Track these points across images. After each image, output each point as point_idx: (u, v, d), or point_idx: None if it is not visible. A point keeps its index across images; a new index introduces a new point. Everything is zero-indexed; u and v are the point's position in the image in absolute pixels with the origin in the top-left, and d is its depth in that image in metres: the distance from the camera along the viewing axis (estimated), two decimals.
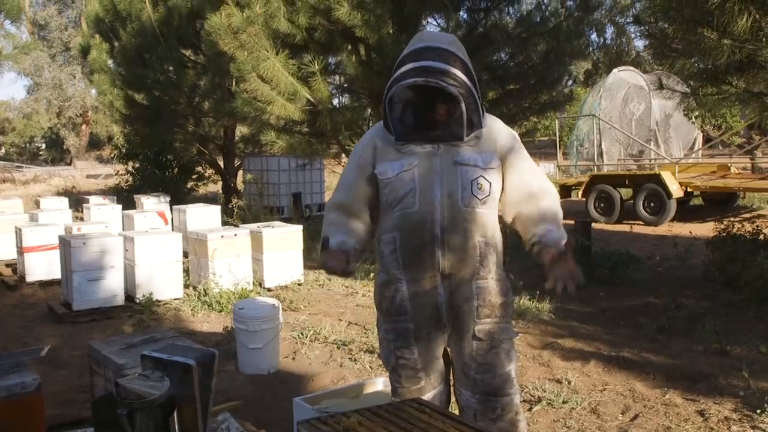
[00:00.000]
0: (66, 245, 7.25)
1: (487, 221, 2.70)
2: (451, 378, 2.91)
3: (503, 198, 2.79)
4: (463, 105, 2.56)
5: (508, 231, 2.91)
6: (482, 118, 2.68)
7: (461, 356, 2.77)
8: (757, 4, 5.04)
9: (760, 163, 17.64)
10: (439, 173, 2.65)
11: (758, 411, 4.25)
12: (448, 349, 2.85)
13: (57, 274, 8.09)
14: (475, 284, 2.70)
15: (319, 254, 2.80)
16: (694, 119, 17.25)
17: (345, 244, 2.74)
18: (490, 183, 2.68)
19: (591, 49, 15.07)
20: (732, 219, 9.37)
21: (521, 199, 2.76)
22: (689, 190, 14.06)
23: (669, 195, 13.38)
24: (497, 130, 2.77)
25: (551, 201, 2.78)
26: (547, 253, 2.66)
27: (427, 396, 2.79)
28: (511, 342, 2.80)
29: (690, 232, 10.76)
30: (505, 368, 2.76)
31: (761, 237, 7.88)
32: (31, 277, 8.67)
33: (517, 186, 2.75)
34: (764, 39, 5.25)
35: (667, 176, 13.54)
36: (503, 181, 2.76)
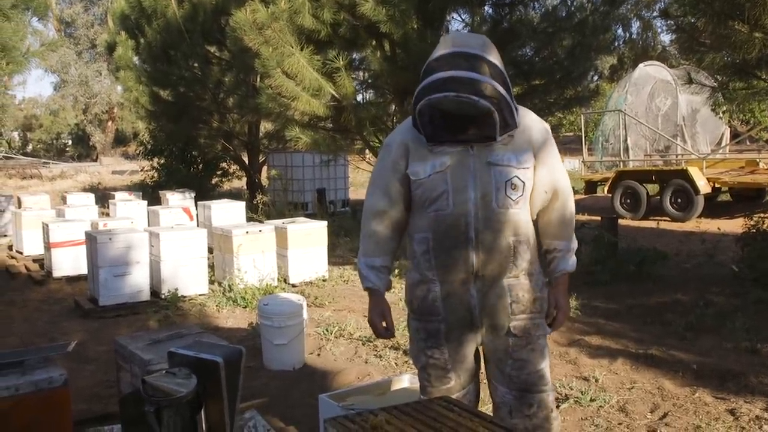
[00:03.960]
0: (92, 241, 7.30)
1: (520, 220, 2.66)
2: (483, 374, 2.89)
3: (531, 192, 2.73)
4: (496, 115, 2.48)
5: None
6: (516, 117, 2.60)
7: (496, 352, 2.74)
8: None
9: None
10: (472, 174, 2.59)
11: None
12: (481, 347, 2.82)
13: (83, 270, 8.16)
14: (506, 282, 2.66)
15: (360, 276, 2.82)
16: (721, 114, 17.04)
17: (381, 284, 2.81)
18: (524, 182, 2.63)
19: (617, 43, 14.93)
20: (762, 215, 9.23)
21: (547, 197, 2.72)
22: (717, 185, 13.90)
23: (696, 191, 13.22)
24: (530, 125, 2.69)
25: (571, 207, 2.78)
26: (556, 282, 2.78)
27: (456, 396, 2.75)
28: (545, 338, 2.78)
29: (718, 229, 10.63)
30: (540, 365, 2.74)
31: None
32: (57, 273, 8.75)
33: (545, 183, 2.70)
34: None
35: (694, 172, 13.38)
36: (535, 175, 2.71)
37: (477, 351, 2.84)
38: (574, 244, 2.79)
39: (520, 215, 2.65)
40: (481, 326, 2.72)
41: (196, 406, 1.91)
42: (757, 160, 15.17)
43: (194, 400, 1.90)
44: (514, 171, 2.61)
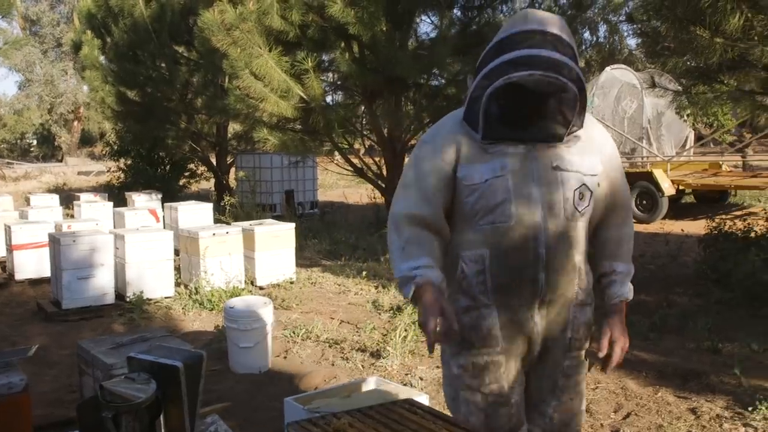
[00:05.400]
0: (56, 243, 7.21)
1: (584, 235, 2.32)
2: None
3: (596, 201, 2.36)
4: (578, 105, 2.14)
5: None
6: (583, 116, 2.24)
7: (540, 391, 2.40)
8: (749, 2, 5.04)
9: (750, 160, 17.70)
10: (536, 180, 2.21)
11: (749, 408, 4.26)
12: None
13: (47, 272, 8.05)
14: (572, 311, 2.33)
15: (401, 290, 2.24)
16: (686, 117, 17.30)
17: (435, 276, 2.19)
18: (592, 192, 2.28)
19: (584, 47, 15.08)
20: (723, 216, 9.39)
21: (609, 210, 2.39)
22: (681, 187, 14.10)
23: (661, 193, 13.40)
24: (598, 130, 2.37)
25: (631, 224, 2.47)
26: (614, 310, 2.40)
27: None
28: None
29: (682, 230, 10.78)
30: (582, 405, 2.45)
31: (752, 234, 7.90)
32: (20, 275, 8.62)
33: (607, 195, 2.36)
34: (756, 38, 5.26)
35: (659, 174, 13.56)
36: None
37: None
38: (632, 268, 2.43)
39: (585, 230, 2.32)
40: (537, 358, 2.37)
41: (155, 411, 1.90)
42: (720, 162, 15.44)
43: (153, 405, 1.88)
44: (583, 178, 2.25)
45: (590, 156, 2.27)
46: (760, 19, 5.12)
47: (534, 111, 2.17)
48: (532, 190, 2.19)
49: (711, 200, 15.07)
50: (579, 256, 2.29)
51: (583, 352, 2.40)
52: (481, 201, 2.22)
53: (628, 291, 2.40)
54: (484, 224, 2.22)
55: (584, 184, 2.24)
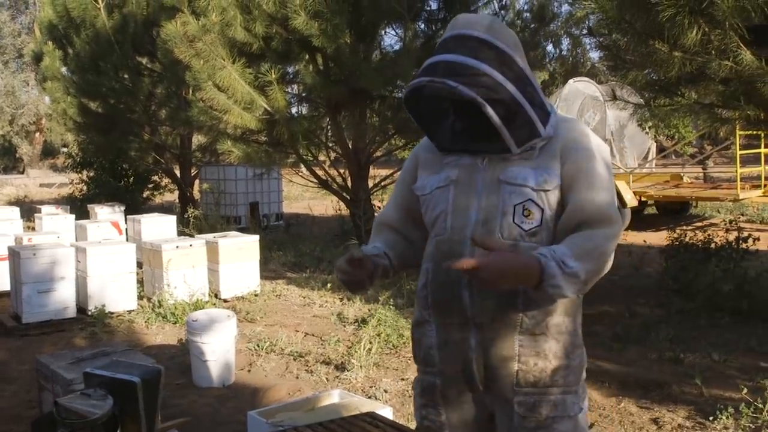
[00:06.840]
0: (15, 256, 7.08)
1: None
2: None
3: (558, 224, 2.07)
4: (489, 110, 1.92)
5: None
6: (542, 125, 2.03)
7: (501, 428, 2.14)
8: (706, 17, 5.12)
9: (711, 172, 18.02)
10: (477, 193, 2.06)
11: (710, 418, 4.32)
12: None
13: (6, 286, 7.88)
14: (518, 339, 2.03)
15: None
16: (648, 129, 17.57)
17: (375, 250, 2.23)
18: (543, 209, 2.02)
19: (547, 60, 15.26)
20: (684, 228, 9.54)
21: (569, 227, 2.04)
22: (643, 199, 14.28)
23: (623, 204, 13.42)
24: (565, 135, 2.08)
25: (603, 234, 2.05)
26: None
27: None
28: (573, 422, 2.10)
29: (644, 241, 10.91)
30: None
31: (712, 246, 8.03)
32: None
33: (573, 217, 2.04)
34: (713, 51, 5.34)
35: (621, 185, 13.45)
36: (563, 202, 2.06)
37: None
38: (579, 269, 1.96)
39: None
40: (483, 389, 2.09)
41: (111, 427, 1.87)
42: (682, 174, 15.70)
43: (110, 421, 1.85)
44: (530, 193, 2.02)
45: (545, 169, 2.04)
46: (716, 34, 5.20)
47: (478, 127, 2.04)
48: (471, 203, 2.06)
49: (673, 211, 15.29)
50: None
51: (542, 391, 2.06)
52: (428, 212, 2.16)
53: (548, 261, 1.90)
54: (432, 236, 2.14)
55: (530, 200, 2.02)
